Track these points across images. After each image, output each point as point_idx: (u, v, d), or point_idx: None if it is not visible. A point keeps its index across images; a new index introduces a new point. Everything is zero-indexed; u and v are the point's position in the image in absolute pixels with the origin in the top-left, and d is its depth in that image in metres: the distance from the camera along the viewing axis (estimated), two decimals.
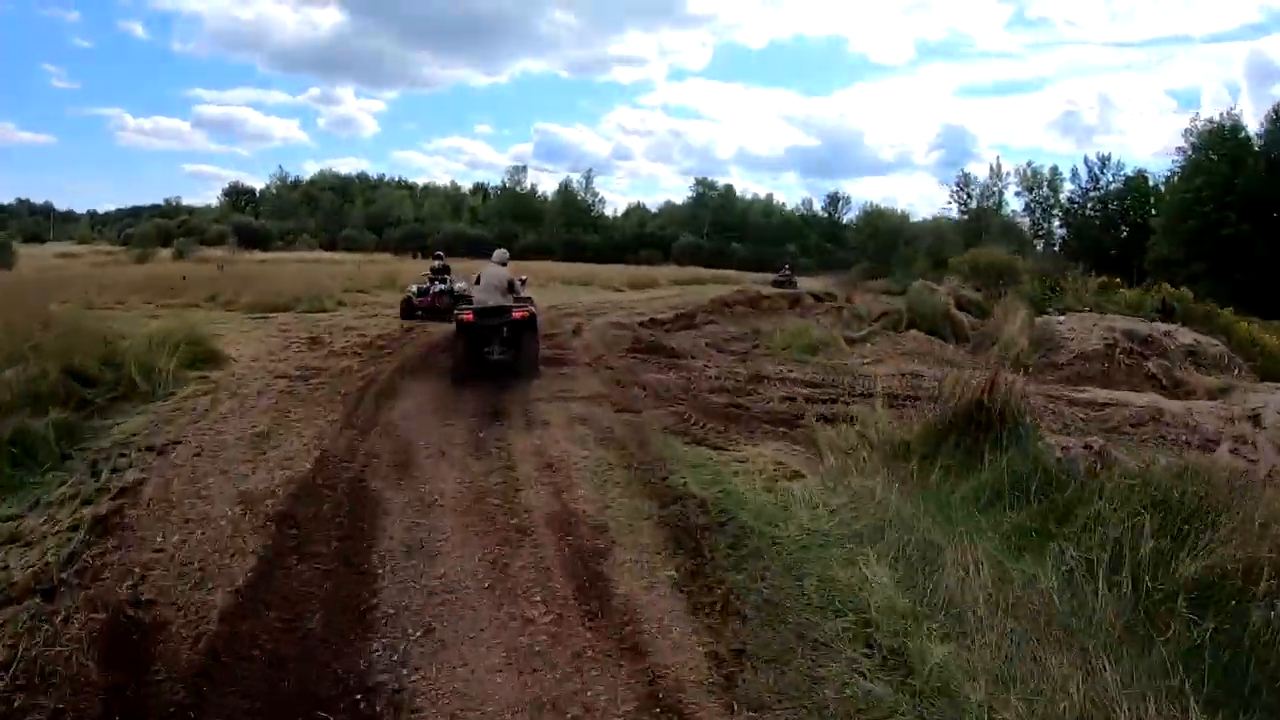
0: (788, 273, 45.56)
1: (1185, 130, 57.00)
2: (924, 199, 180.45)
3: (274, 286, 23.82)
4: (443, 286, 19.55)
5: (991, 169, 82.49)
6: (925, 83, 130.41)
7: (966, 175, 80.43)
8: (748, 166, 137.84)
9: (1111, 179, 70.60)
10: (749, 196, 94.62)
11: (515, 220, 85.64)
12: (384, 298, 25.38)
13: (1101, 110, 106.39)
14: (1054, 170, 77.01)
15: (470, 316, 11.30)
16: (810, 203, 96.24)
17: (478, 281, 12.28)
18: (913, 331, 20.03)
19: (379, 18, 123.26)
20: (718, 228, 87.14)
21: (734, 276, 52.41)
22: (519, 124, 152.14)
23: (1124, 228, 65.19)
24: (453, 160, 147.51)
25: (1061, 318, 19.36)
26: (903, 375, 13.74)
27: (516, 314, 11.40)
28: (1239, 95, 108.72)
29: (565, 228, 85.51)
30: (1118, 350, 17.04)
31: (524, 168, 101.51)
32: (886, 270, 65.67)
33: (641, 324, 21.39)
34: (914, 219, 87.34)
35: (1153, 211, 63.71)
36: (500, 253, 12.64)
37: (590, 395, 11.13)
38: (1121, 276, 54.78)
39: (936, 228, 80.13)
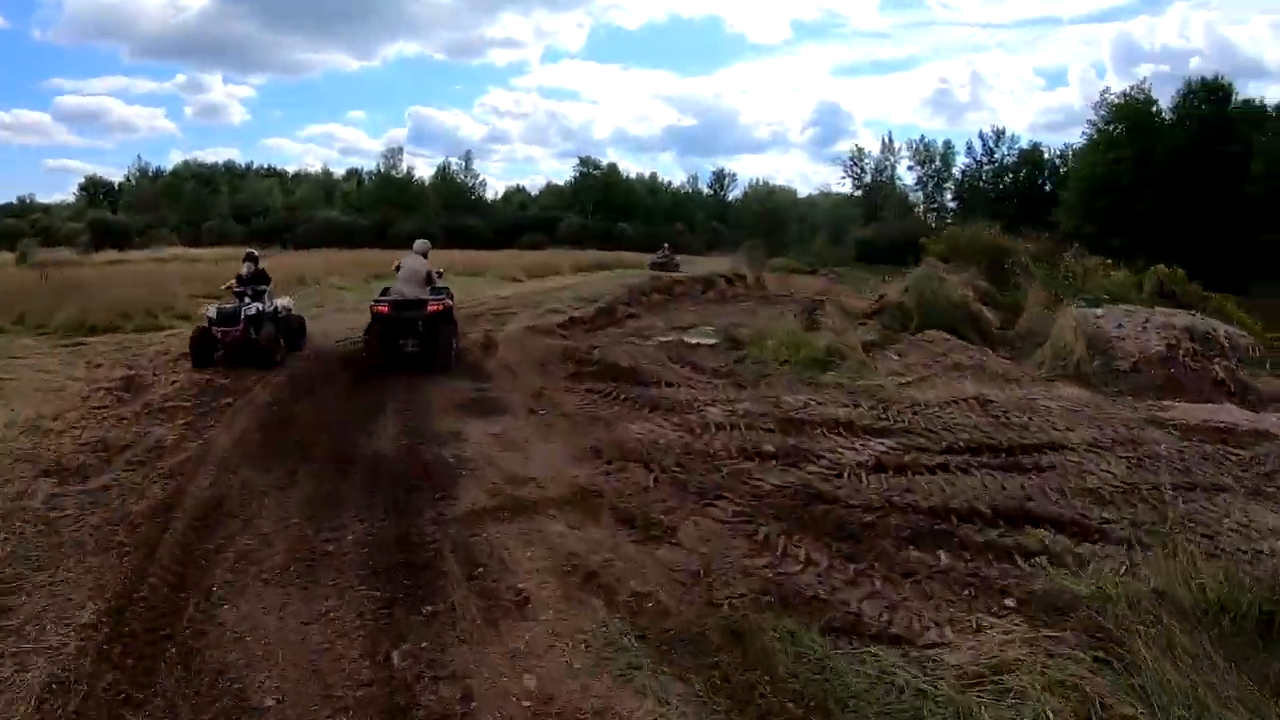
0: (668, 253, 40.88)
1: (1095, 104, 56.39)
2: (800, 176, 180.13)
3: (106, 298, 18.57)
4: (259, 306, 11.83)
5: (883, 143, 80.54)
6: (801, 62, 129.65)
7: (860, 150, 78.29)
8: (626, 147, 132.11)
9: (1006, 152, 69.14)
10: (633, 176, 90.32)
11: (393, 206, 79.22)
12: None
13: (973, 88, 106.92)
14: (946, 144, 75.90)
15: (385, 309, 11.15)
16: (695, 180, 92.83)
17: (397, 269, 12.11)
18: (931, 333, 15.92)
19: (247, 1, 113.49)
20: (603, 208, 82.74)
21: (629, 259, 47.80)
22: (393, 109, 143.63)
23: (1015, 201, 63.31)
24: (325, 147, 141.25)
25: (1099, 311, 15.65)
26: (969, 403, 9.64)
27: (431, 307, 11.23)
28: (1105, 74, 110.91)
29: (446, 212, 79.67)
30: (1180, 352, 13.45)
31: (400, 149, 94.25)
32: (782, 248, 63.28)
33: (561, 325, 17.35)
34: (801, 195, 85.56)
35: (1045, 186, 62.62)
36: (421, 243, 12.61)
37: (564, 493, 6.57)
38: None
39: (831, 203, 78.13)
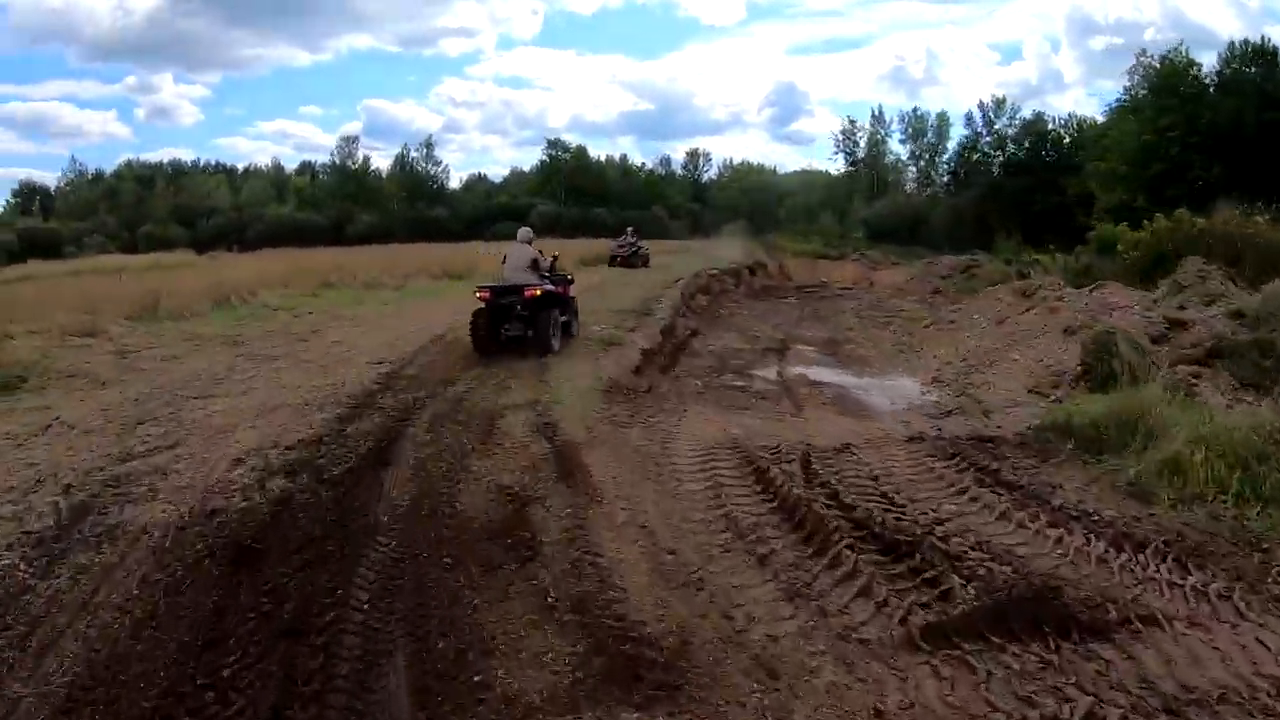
0: (632, 240, 31.48)
1: (1129, 69, 49.57)
2: (760, 156, 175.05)
3: None
4: None
5: (873, 115, 73.53)
6: (757, 42, 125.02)
7: (852, 122, 71.12)
8: (583, 133, 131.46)
9: (1008, 123, 62.80)
10: (602, 159, 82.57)
11: (350, 200, 70.89)
12: (135, 339, 13.23)
13: (928, 64, 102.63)
14: (941, 116, 69.11)
15: (487, 295, 11.38)
16: (668, 162, 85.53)
17: (504, 261, 12.19)
18: None
19: None
20: (574, 193, 74.93)
21: (665, 246, 40.62)
22: (347, 103, 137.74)
23: (1029, 173, 56.77)
24: (280, 145, 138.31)
25: None
26: None
27: (528, 292, 11.31)
28: (1059, 48, 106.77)
29: (409, 204, 71.56)
30: None
31: (355, 139, 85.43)
32: (773, 228, 56.85)
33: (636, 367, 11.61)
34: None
35: (1050, 156, 56.44)
36: (524, 231, 12.61)
37: None
38: (1047, 227, 47.73)
39: (822, 182, 71.45)
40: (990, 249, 39.97)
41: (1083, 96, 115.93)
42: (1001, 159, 61.74)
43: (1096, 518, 6.12)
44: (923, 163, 69.19)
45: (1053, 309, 14.35)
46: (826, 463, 7.09)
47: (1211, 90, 44.59)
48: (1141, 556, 5.30)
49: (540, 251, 12.36)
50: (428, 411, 8.36)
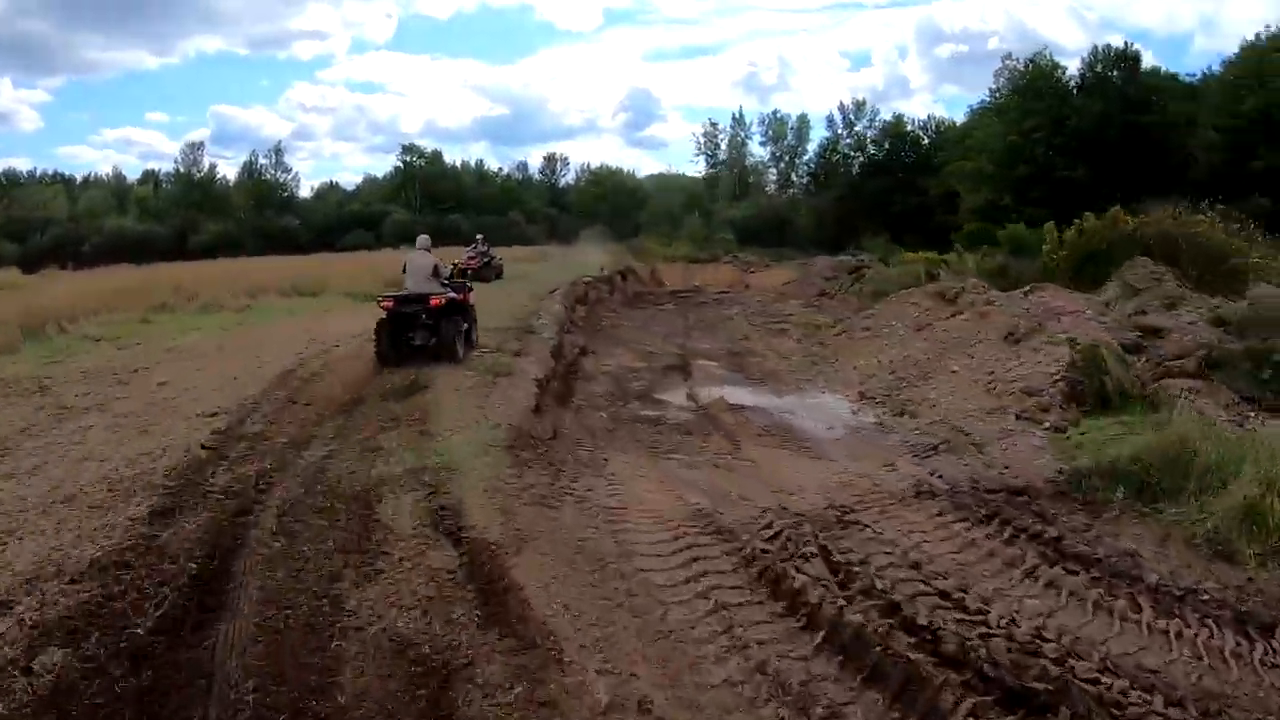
0: (484, 249, 27.23)
1: (995, 72, 50.20)
2: (614, 161, 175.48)
3: None
4: None
5: (734, 118, 72.32)
6: (612, 48, 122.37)
7: (714, 125, 69.76)
8: (437, 139, 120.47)
9: (868, 125, 62.86)
10: (457, 165, 78.58)
11: (196, 210, 64.88)
12: None
13: (780, 70, 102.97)
14: (802, 118, 68.49)
15: (390, 304, 11.11)
16: (525, 167, 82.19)
17: (404, 270, 11.80)
18: None
19: None
20: (429, 200, 71.01)
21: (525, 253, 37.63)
22: (195, 109, 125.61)
23: (890, 174, 57.23)
24: (124, 153, 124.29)
25: None
26: None
27: (433, 301, 11.08)
28: (907, 56, 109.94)
29: (257, 213, 66.19)
30: None
31: (200, 145, 78.21)
32: (634, 232, 55.28)
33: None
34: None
35: (909, 158, 57.28)
36: (423, 239, 12.47)
37: None
38: (908, 227, 48.14)
39: (680, 185, 70.41)
40: (857, 249, 39.56)
41: (929, 102, 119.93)
42: (862, 160, 61.63)
43: (1205, 596, 4.89)
44: (783, 164, 68.68)
45: (983, 314, 13.02)
46: (838, 543, 5.21)
47: (1076, 93, 45.69)
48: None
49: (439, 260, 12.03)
50: (275, 495, 5.92)
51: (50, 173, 74.65)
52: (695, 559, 4.95)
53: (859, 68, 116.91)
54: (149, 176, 73.90)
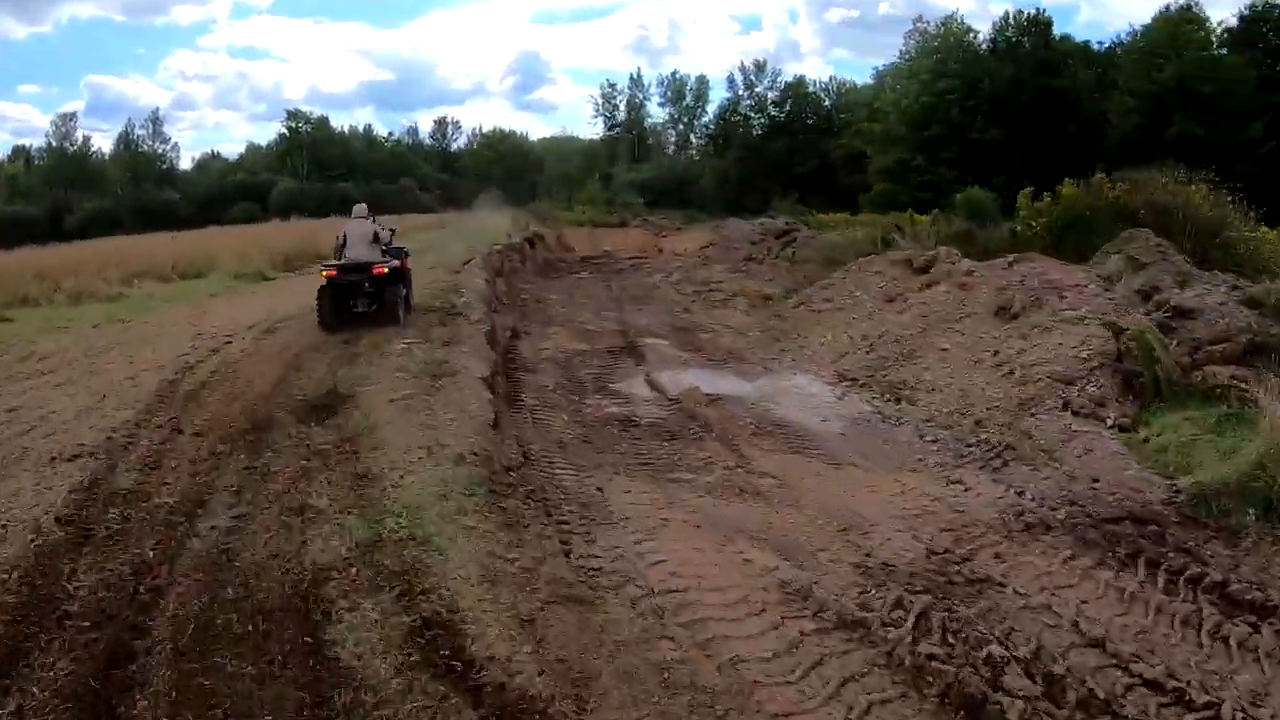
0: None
1: (907, 33, 50.13)
2: (504, 124, 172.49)
3: None
4: None
5: (632, 79, 70.73)
6: (500, 10, 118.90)
7: (612, 86, 67.93)
8: (322, 104, 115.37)
9: (769, 86, 61.91)
10: (345, 130, 74.91)
11: (71, 187, 59.88)
12: None
13: (670, 33, 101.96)
14: (701, 79, 67.22)
15: (333, 272, 11.16)
16: (415, 131, 78.94)
17: (342, 239, 11.72)
18: None
19: None
20: (317, 167, 67.45)
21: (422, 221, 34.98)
22: (69, 80, 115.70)
23: (792, 135, 56.68)
24: None
25: None
26: None
27: (376, 269, 11.13)
28: (797, 19, 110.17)
29: (135, 187, 61.53)
30: None
31: (73, 115, 72.00)
32: (531, 197, 53.96)
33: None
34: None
35: (810, 119, 56.94)
36: (360, 207, 12.46)
37: None
38: (811, 188, 47.86)
39: (584, 147, 68.82)
40: (765, 210, 38.59)
41: (819, 65, 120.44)
42: (762, 121, 60.95)
43: None
44: (682, 126, 67.58)
45: (963, 285, 11.96)
46: (988, 618, 4.02)
47: (989, 56, 45.99)
48: None
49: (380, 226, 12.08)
50: (165, 617, 4.02)
51: None
52: (842, 681, 3.51)
53: (749, 30, 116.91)
54: (19, 153, 67.79)
